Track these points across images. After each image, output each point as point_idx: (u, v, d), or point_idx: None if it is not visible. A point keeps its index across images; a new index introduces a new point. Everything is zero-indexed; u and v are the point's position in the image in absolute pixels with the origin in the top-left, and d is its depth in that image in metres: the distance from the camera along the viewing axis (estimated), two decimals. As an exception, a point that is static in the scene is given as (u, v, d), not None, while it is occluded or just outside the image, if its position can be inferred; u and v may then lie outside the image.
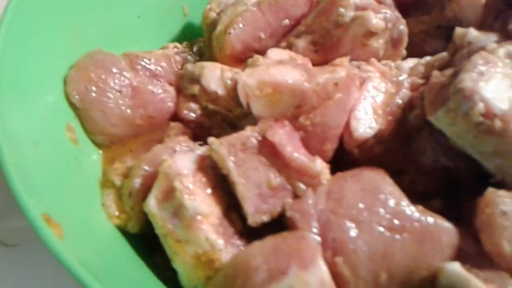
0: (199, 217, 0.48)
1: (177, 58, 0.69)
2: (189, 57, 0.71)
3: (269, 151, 0.51)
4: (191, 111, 0.60)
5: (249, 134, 0.52)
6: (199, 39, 0.76)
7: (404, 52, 0.64)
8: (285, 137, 0.52)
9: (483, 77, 0.48)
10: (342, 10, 0.60)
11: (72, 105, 0.55)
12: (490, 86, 0.47)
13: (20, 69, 0.50)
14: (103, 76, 0.56)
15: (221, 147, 0.51)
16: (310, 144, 0.54)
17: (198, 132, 0.61)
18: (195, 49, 0.75)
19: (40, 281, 0.60)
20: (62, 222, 0.39)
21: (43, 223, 0.37)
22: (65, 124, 0.53)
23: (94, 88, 0.56)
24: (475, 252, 0.48)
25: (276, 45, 0.66)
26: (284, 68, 0.55)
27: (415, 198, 0.53)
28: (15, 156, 0.40)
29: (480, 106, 0.46)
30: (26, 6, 0.53)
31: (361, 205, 0.49)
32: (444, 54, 0.60)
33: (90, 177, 0.54)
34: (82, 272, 0.35)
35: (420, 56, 0.64)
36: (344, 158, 0.57)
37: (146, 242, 0.53)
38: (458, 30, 0.59)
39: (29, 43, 0.52)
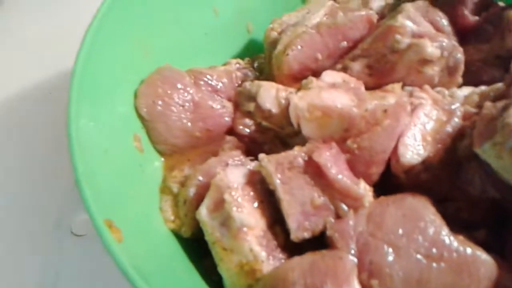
0: (245, 229, 0.52)
1: (238, 74, 0.73)
2: (249, 73, 0.75)
3: (314, 171, 0.54)
4: (246, 126, 0.64)
5: (297, 154, 0.55)
6: (260, 55, 0.80)
7: (460, 79, 0.64)
8: (330, 159, 0.54)
9: (533, 113, 0.48)
10: (398, 37, 0.61)
11: (140, 116, 0.61)
12: (540, 123, 0.47)
13: (97, 82, 0.56)
14: (169, 91, 0.62)
15: (269, 164, 0.54)
16: (356, 167, 0.57)
17: (251, 147, 0.65)
18: (255, 64, 0.79)
19: (102, 268, 0.67)
20: (123, 227, 0.44)
21: (105, 227, 0.42)
22: (133, 134, 0.59)
23: (160, 102, 0.61)
24: (514, 287, 0.48)
25: (333, 66, 0.68)
26: (335, 93, 0.57)
27: (459, 226, 0.54)
28: (86, 164, 0.45)
29: (527, 143, 0.47)
30: (107, 24, 0.59)
31: (400, 231, 0.50)
32: (499, 85, 0.60)
33: (152, 183, 0.59)
34: (133, 274, 0.40)
35: (477, 84, 0.63)
36: (391, 181, 0.59)
37: (197, 247, 0.57)
38: (516, 62, 0.59)
39: (107, 58, 0.58)
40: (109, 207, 0.45)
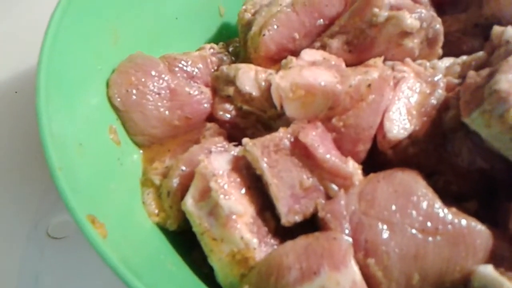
0: (234, 216, 0.50)
1: (213, 59, 0.70)
2: (225, 58, 0.72)
3: (301, 152, 0.52)
4: (226, 112, 0.62)
5: (282, 136, 0.53)
6: (235, 39, 0.78)
7: (440, 51, 0.63)
8: (317, 139, 0.53)
9: (519, 78, 0.47)
10: (376, 10, 0.59)
11: (114, 107, 0.58)
12: (527, 87, 0.47)
13: (66, 73, 0.53)
14: (143, 79, 0.59)
15: (255, 148, 0.52)
16: (343, 145, 0.55)
17: (233, 132, 0.62)
18: (230, 49, 0.77)
19: (85, 271, 0.64)
20: (106, 221, 0.41)
21: (88, 223, 0.39)
22: (108, 126, 0.56)
23: (134, 91, 0.58)
24: (510, 255, 0.48)
25: (311, 44, 0.66)
26: (317, 70, 0.56)
27: (450, 199, 0.53)
28: (62, 159, 0.42)
29: (516, 108, 0.46)
30: (71, 11, 0.55)
31: (393, 207, 0.49)
32: (480, 54, 0.59)
33: (132, 176, 0.57)
34: (123, 269, 0.37)
35: (457, 55, 0.63)
36: (378, 159, 0.58)
37: (185, 239, 0.55)
38: (496, 29, 0.58)
39: (75, 48, 0.55)
40: (90, 202, 0.42)
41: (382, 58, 0.59)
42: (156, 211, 0.55)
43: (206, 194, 0.51)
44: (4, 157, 0.78)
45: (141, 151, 0.61)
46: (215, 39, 0.78)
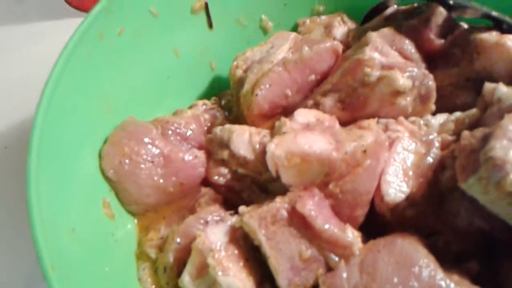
0: (233, 293, 0.49)
1: (206, 116, 0.70)
2: (217, 114, 0.72)
3: (299, 222, 0.52)
4: (221, 176, 0.61)
5: (279, 206, 0.52)
6: (227, 92, 0.77)
7: (433, 107, 0.63)
8: (315, 208, 0.52)
9: (514, 144, 0.47)
10: (368, 70, 0.59)
11: (107, 178, 0.57)
12: (523, 154, 0.47)
13: (57, 150, 0.52)
14: (136, 148, 0.58)
15: (252, 220, 0.51)
16: (340, 211, 0.55)
17: (229, 196, 0.62)
18: (223, 102, 0.76)
19: None
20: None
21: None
22: (101, 200, 0.55)
23: (127, 161, 0.57)
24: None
25: (303, 99, 0.66)
26: (311, 136, 0.55)
27: (450, 260, 0.53)
28: (54, 254, 0.41)
29: (513, 175, 0.46)
30: (64, 84, 0.54)
31: (395, 279, 0.48)
32: (474, 111, 0.59)
33: (126, 250, 0.55)
34: None
35: (450, 109, 0.63)
36: (377, 220, 0.57)
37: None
38: (487, 86, 0.58)
39: (66, 123, 0.54)
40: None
41: (376, 120, 0.59)
42: (153, 287, 0.53)
43: (203, 270, 0.50)
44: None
45: (135, 220, 0.59)
46: (207, 93, 0.78)
